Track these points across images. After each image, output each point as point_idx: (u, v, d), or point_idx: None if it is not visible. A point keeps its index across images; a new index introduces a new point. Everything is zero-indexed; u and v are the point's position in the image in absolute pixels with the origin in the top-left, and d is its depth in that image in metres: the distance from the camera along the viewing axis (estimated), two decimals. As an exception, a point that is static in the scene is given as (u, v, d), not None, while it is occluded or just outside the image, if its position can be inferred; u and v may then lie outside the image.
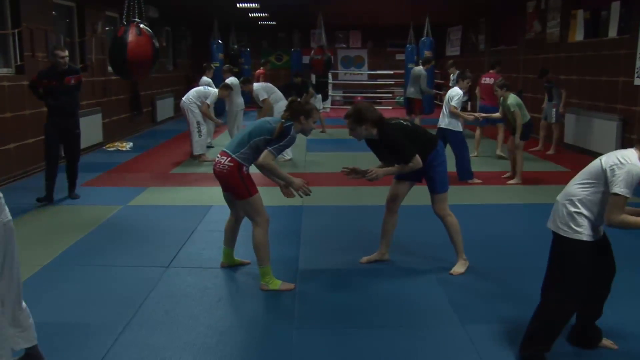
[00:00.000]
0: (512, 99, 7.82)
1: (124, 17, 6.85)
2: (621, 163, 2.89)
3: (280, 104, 9.29)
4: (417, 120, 12.44)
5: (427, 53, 13.78)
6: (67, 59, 6.69)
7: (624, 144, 9.09)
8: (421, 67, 12.77)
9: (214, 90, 9.64)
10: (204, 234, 5.63)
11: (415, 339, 3.54)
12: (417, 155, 4.36)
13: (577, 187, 3.05)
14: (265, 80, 13.30)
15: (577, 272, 3.05)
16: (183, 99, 9.63)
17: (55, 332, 3.55)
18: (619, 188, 2.87)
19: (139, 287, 4.30)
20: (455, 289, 4.29)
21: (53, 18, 9.49)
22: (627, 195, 2.88)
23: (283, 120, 4.23)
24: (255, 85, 9.85)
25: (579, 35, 10.77)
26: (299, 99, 4.43)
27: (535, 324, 3.19)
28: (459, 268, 4.61)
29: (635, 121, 8.90)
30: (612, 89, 9.55)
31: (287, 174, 4.34)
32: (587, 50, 10.44)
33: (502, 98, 7.96)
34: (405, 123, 4.60)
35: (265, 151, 4.18)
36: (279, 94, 9.72)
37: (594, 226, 3.04)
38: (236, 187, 4.24)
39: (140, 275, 4.55)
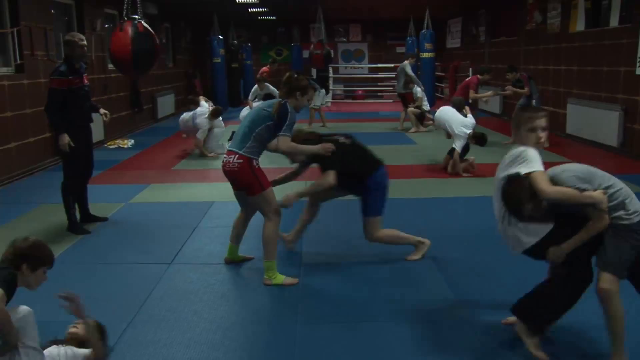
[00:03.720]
0: None
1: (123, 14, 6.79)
2: None
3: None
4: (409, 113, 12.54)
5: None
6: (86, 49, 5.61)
7: (625, 134, 9.07)
8: (406, 62, 12.89)
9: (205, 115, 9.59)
10: (206, 230, 5.62)
11: (420, 331, 3.54)
12: (333, 172, 4.35)
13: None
14: (269, 77, 13.24)
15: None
16: (180, 122, 9.99)
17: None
18: None
19: (142, 284, 4.29)
20: (460, 281, 4.28)
21: (52, 16, 9.47)
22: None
23: (280, 100, 4.23)
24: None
25: (579, 26, 10.73)
26: (296, 75, 4.41)
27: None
28: (414, 255, 4.73)
29: (637, 111, 8.87)
30: (613, 78, 9.51)
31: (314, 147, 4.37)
32: (588, 40, 10.40)
33: None
34: (342, 141, 4.57)
35: (279, 137, 4.16)
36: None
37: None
38: (249, 182, 4.21)
39: (143, 272, 4.55)
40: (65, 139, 5.38)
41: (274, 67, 13.65)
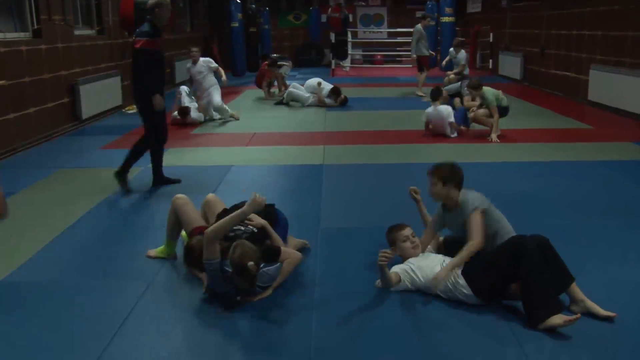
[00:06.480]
0: (489, 94, 7.99)
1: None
2: None
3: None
4: (422, 77, 12.38)
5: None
6: None
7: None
8: (419, 25, 12.61)
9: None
10: (224, 194, 5.61)
11: (447, 308, 3.44)
12: None
13: None
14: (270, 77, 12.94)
15: None
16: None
17: (79, 290, 3.61)
18: None
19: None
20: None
21: (69, -20, 9.41)
22: None
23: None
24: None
25: (605, -11, 10.46)
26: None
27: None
28: None
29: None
30: (639, 44, 9.29)
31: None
32: (613, 4, 10.14)
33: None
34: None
35: None
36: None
37: None
38: None
39: (163, 235, 4.57)
40: (159, 98, 5.56)
41: (274, 70, 12.95)
